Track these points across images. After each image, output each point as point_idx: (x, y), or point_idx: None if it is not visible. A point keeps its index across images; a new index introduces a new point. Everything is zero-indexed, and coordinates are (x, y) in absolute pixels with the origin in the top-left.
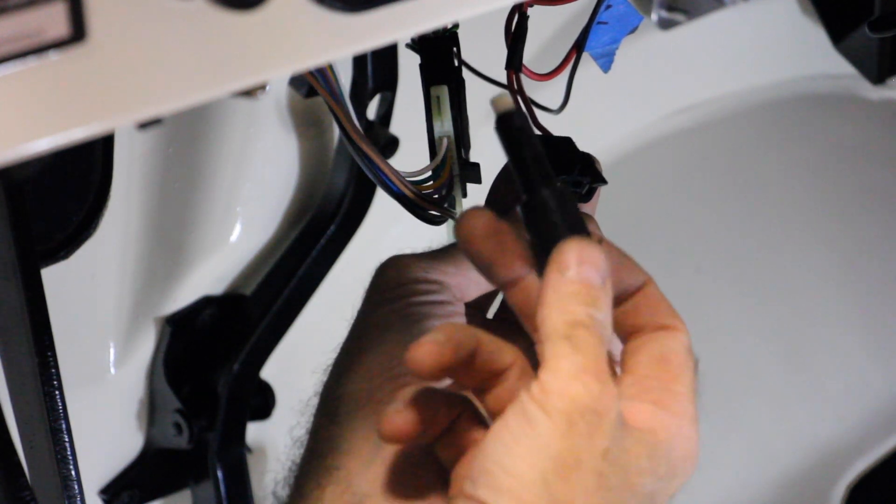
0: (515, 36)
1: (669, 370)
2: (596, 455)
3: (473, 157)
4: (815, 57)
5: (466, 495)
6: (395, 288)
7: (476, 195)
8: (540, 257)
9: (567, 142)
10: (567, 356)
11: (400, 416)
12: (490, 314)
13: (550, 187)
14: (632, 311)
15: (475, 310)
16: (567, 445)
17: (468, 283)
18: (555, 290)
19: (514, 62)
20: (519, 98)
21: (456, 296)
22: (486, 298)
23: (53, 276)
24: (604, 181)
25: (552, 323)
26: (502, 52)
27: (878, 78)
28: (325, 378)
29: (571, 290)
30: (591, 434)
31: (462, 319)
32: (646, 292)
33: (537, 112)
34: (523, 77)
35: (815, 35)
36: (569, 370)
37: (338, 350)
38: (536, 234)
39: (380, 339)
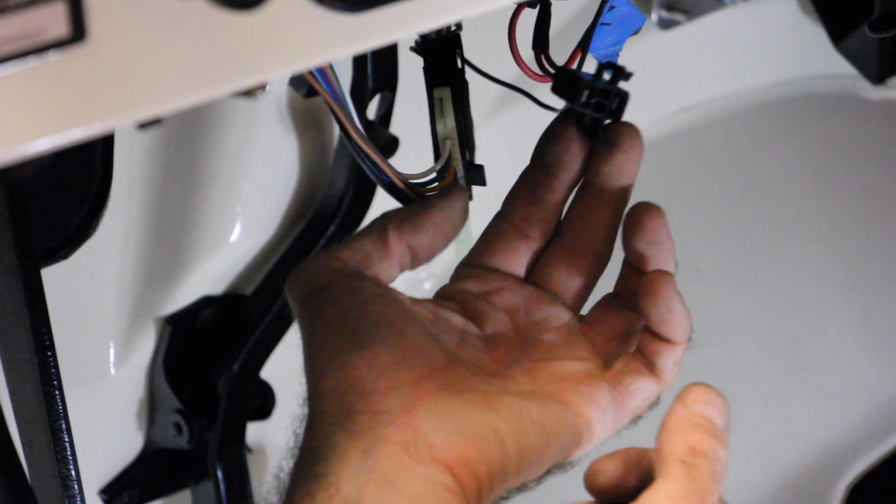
0: (540, 17)
1: None
2: None
3: (477, 159)
4: (815, 57)
5: None
6: (326, 288)
7: (480, 196)
8: None
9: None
10: (677, 479)
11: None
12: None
13: None
14: None
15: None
16: None
17: (394, 262)
18: (679, 418)
19: (541, 41)
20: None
21: (391, 278)
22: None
23: (53, 276)
24: (628, 73)
25: (673, 447)
26: (505, 52)
27: (878, 78)
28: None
29: (696, 420)
30: None
31: (405, 306)
32: None
33: (539, 112)
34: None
35: (815, 35)
36: (674, 493)
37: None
38: None
39: (337, 352)
